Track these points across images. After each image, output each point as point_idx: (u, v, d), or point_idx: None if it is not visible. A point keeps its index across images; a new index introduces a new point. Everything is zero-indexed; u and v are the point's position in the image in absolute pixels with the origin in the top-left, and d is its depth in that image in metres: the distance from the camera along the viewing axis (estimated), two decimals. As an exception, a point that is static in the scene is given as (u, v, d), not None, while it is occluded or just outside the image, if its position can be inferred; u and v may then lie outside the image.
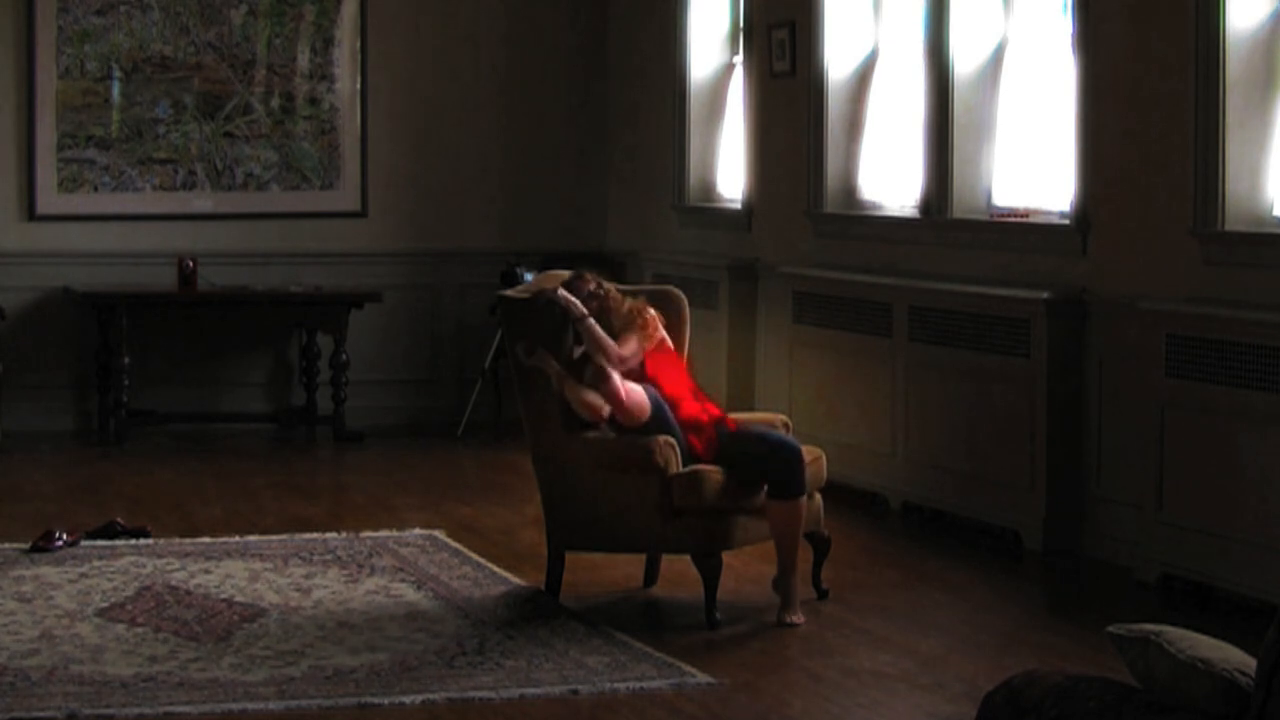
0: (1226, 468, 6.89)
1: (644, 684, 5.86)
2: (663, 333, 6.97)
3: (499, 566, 7.50)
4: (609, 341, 6.81)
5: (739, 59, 10.75)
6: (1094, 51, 7.80)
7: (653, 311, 6.97)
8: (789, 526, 6.72)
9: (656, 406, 6.76)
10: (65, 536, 7.82)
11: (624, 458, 6.68)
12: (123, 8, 11.38)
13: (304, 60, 11.65)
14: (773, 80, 10.19)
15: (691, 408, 6.88)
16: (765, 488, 6.72)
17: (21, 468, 10.07)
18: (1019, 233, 8.44)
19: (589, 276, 7.03)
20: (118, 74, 11.40)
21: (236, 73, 11.57)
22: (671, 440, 6.65)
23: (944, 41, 8.74)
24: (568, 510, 6.87)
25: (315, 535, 8.13)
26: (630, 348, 6.85)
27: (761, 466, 6.71)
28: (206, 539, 8.03)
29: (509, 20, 11.99)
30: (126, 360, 10.81)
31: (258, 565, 7.51)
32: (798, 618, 6.69)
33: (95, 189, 11.40)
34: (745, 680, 5.96)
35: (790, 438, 6.95)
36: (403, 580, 7.26)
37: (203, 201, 11.56)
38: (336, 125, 11.72)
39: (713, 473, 6.63)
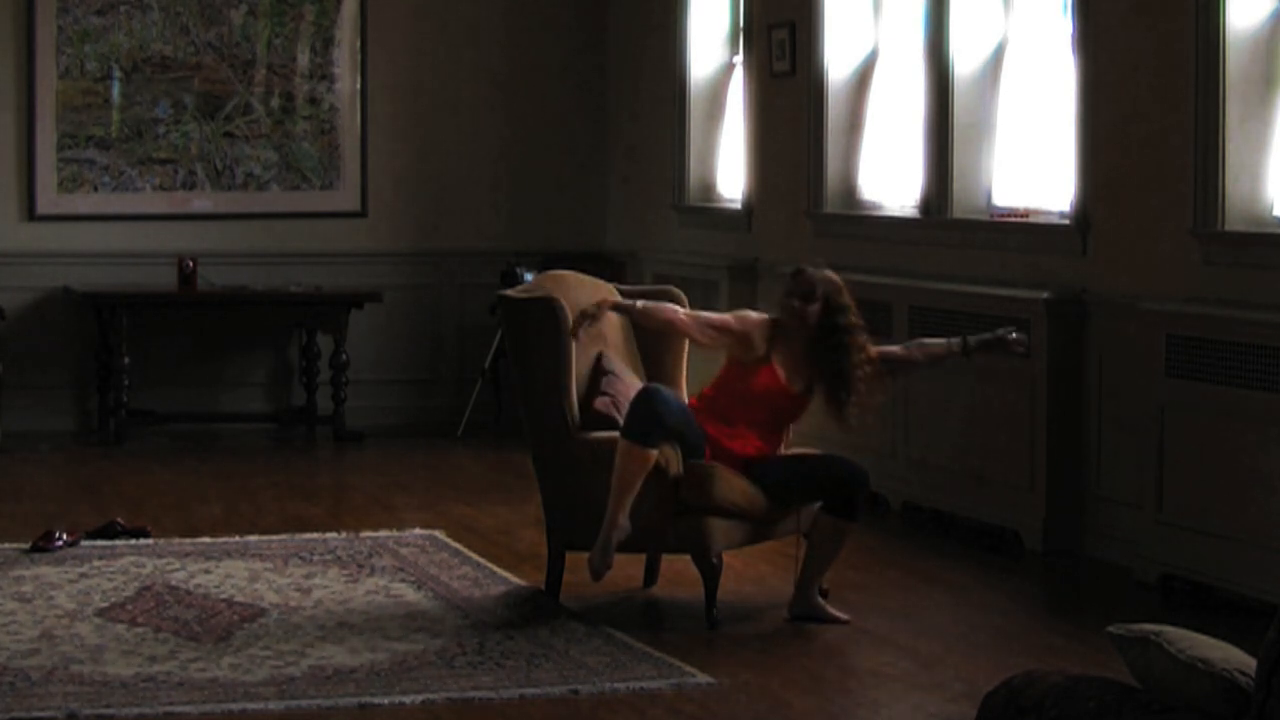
0: (1226, 468, 6.89)
1: (644, 684, 5.86)
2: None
3: (499, 566, 7.49)
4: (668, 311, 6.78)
5: (739, 59, 10.75)
6: (1094, 51, 7.80)
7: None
8: (836, 546, 6.69)
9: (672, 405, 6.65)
10: (65, 536, 7.82)
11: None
12: (123, 8, 11.38)
13: (304, 60, 11.65)
14: (773, 80, 10.19)
15: (752, 424, 6.79)
16: (807, 504, 6.71)
17: (21, 468, 10.07)
18: (1019, 233, 8.44)
19: (818, 281, 6.76)
20: (118, 74, 11.40)
21: (236, 73, 11.57)
22: (675, 445, 6.59)
23: (944, 41, 8.74)
24: (568, 510, 6.87)
25: (315, 535, 8.12)
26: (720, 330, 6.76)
27: (827, 482, 6.66)
28: (206, 539, 8.02)
29: (509, 20, 11.99)
30: (126, 360, 10.81)
31: (258, 565, 7.51)
32: (843, 614, 6.70)
33: (95, 189, 11.40)
34: (745, 680, 5.96)
35: (860, 464, 6.83)
36: (403, 580, 7.26)
37: (203, 201, 11.56)
38: (336, 125, 11.72)
39: (724, 471, 6.60)
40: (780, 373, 6.72)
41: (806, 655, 6.32)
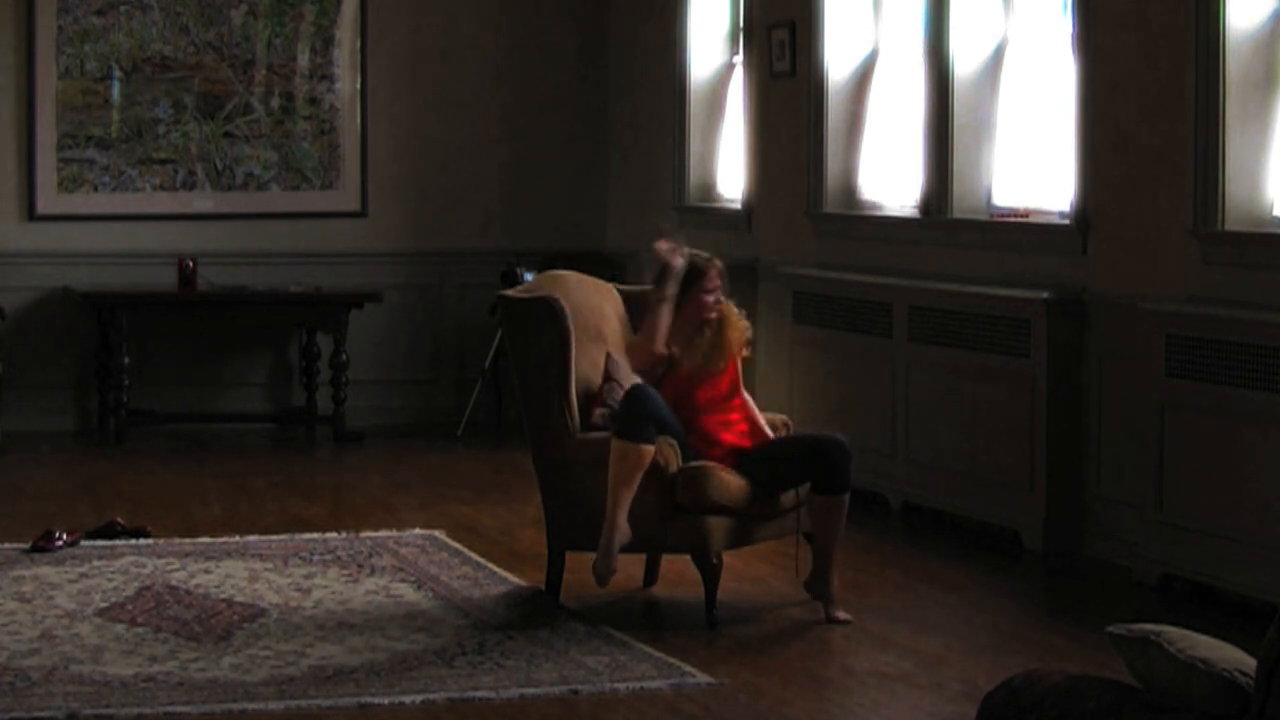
0: (1226, 468, 6.89)
1: (644, 684, 5.86)
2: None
3: (499, 566, 7.50)
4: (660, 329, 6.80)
5: (739, 59, 10.75)
6: (1094, 52, 7.80)
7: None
8: (833, 522, 6.69)
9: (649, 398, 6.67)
10: (65, 536, 7.82)
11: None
12: (123, 8, 11.38)
13: (304, 60, 11.65)
14: (773, 80, 10.18)
15: (715, 424, 6.82)
16: (797, 486, 6.70)
17: (21, 468, 10.07)
18: (1019, 233, 8.44)
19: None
20: (118, 74, 11.40)
21: (236, 73, 11.57)
22: (672, 440, 6.61)
23: (944, 41, 8.74)
24: (568, 510, 6.87)
25: (315, 535, 8.13)
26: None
27: (809, 460, 6.66)
28: (206, 539, 8.02)
29: (509, 20, 11.99)
30: (126, 360, 10.81)
31: (258, 565, 7.51)
32: (846, 614, 6.68)
33: (95, 189, 11.40)
34: (745, 680, 5.96)
35: (838, 434, 6.91)
36: (403, 580, 7.26)
37: (203, 201, 11.56)
38: (336, 125, 11.72)
39: (719, 470, 6.60)
40: (690, 364, 6.77)
41: (806, 655, 6.32)
